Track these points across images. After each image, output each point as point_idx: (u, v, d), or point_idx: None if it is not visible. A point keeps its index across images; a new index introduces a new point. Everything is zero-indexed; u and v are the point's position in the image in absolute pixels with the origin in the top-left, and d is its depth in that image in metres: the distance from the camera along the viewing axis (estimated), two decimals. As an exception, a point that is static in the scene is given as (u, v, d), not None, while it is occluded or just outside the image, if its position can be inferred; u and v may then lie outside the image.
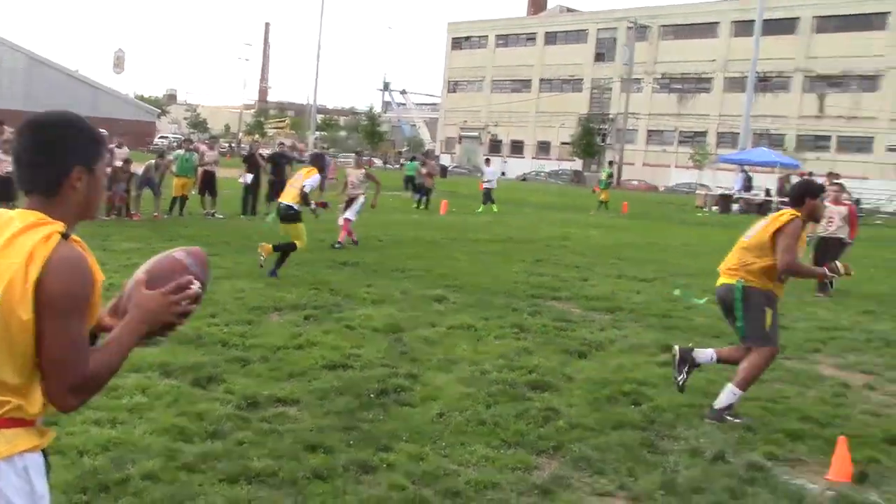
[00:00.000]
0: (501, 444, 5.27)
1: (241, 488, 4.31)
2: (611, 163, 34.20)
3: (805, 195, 6.36)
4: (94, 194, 2.20)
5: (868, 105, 66.14)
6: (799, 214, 6.20)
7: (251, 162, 20.89)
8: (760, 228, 6.29)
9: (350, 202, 15.72)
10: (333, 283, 10.74)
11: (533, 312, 9.66)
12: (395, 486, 4.47)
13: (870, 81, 66.94)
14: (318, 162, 12.54)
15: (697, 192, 48.78)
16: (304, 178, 11.50)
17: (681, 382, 6.39)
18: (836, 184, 14.74)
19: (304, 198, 11.35)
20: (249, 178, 20.43)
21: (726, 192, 40.86)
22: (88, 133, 2.18)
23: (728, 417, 6.07)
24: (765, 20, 51.97)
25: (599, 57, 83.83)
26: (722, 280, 6.52)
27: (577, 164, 79.81)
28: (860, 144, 66.44)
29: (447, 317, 9.10)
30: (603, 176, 33.39)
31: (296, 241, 11.35)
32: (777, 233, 6.08)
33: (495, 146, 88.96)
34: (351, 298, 9.83)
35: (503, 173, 75.53)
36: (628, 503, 4.58)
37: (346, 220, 15.55)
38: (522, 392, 6.37)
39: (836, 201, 13.82)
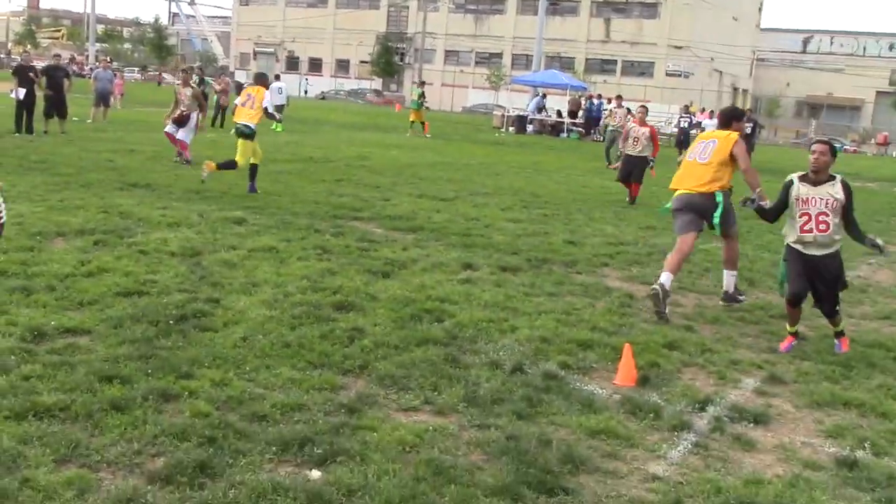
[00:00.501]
0: (307, 365, 5.24)
1: (29, 424, 4.04)
2: (422, 83, 34.30)
3: (732, 119, 7.94)
4: None
5: (649, 31, 69.74)
6: (738, 133, 7.73)
7: (22, 75, 19.15)
8: (715, 150, 7.58)
9: (182, 119, 15.69)
10: (124, 206, 10.17)
11: (336, 233, 9.60)
12: (199, 413, 4.34)
13: (651, 9, 70.42)
14: (263, 80, 13.42)
15: (494, 112, 49.90)
16: (259, 100, 12.46)
17: (666, 313, 7.19)
18: (643, 107, 16.04)
19: (268, 114, 12.67)
20: (22, 92, 18.76)
21: (522, 113, 42.05)
22: None
23: (740, 297, 7.92)
24: (557, -56, 53.19)
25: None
26: (698, 191, 7.61)
27: (377, 84, 79.34)
28: (642, 69, 70.16)
29: (247, 239, 8.88)
30: (414, 96, 32.92)
31: (239, 159, 12.39)
32: (734, 151, 7.49)
33: (292, 63, 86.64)
34: (144, 222, 9.35)
35: (305, 91, 74.00)
36: (433, 417, 4.70)
37: (182, 141, 15.63)
38: (327, 313, 6.35)
39: (642, 123, 15.25)
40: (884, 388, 5.79)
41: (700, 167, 7.64)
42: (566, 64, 69.48)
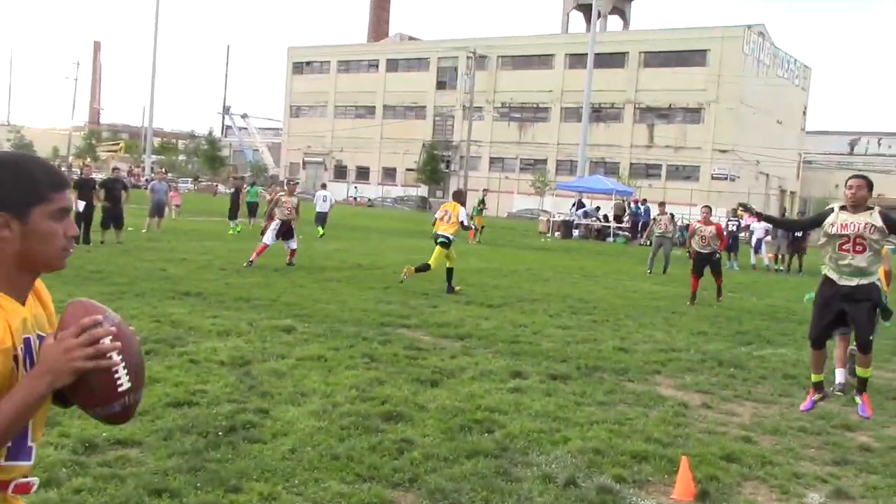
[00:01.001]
0: (356, 478, 5.16)
1: (77, 541, 4.01)
2: (485, 190, 35.76)
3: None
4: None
5: (693, 136, 70.31)
6: None
7: (83, 188, 19.84)
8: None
9: (288, 230, 17.55)
10: (175, 315, 10.31)
11: (383, 341, 9.59)
12: (247, 529, 4.27)
13: (694, 114, 71.18)
14: (459, 197, 16.07)
15: (540, 217, 50.23)
16: (456, 214, 15.19)
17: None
18: (707, 207, 17.10)
19: (464, 227, 15.44)
20: (81, 205, 19.40)
21: (568, 218, 42.28)
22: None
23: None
24: (596, 54, 54.42)
25: (441, 85, 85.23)
26: None
27: (423, 190, 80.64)
28: (687, 173, 70.44)
29: (296, 348, 8.90)
30: (476, 203, 33.94)
31: (433, 263, 15.02)
32: None
33: (340, 172, 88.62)
34: (195, 331, 9.45)
35: (355, 198, 75.53)
36: (485, 534, 4.56)
37: (264, 244, 17.21)
38: (375, 424, 6.28)
39: (707, 222, 16.48)
40: (958, 503, 5.52)
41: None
42: (610, 168, 70.09)
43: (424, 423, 6.45)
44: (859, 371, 7.02)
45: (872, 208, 6.97)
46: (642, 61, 73.33)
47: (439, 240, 15.07)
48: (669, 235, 23.12)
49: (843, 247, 6.89)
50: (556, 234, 40.46)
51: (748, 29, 69.89)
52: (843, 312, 7.03)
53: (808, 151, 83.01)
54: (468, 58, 76.99)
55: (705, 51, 69.93)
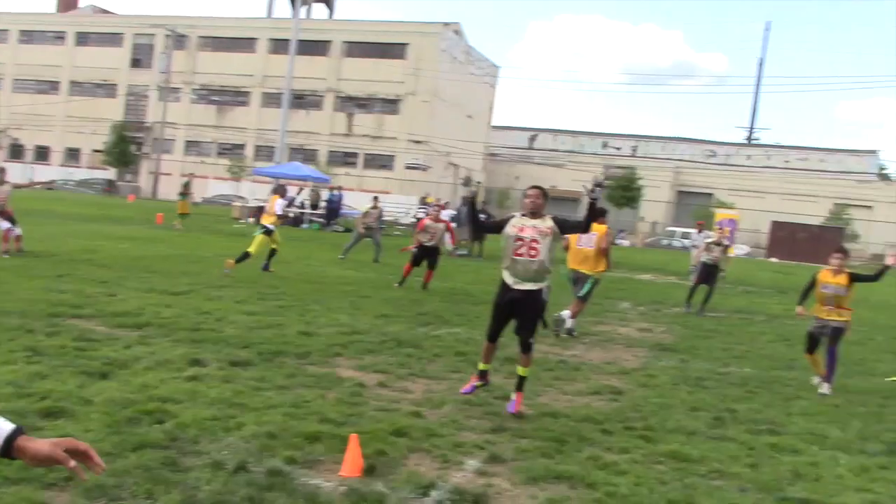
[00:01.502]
0: (4, 481, 4.78)
1: None
2: (190, 174, 34.59)
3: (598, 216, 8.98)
4: None
5: (390, 126, 72.48)
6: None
7: None
8: (595, 241, 11.97)
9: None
10: None
11: (51, 333, 8.94)
12: None
13: (392, 105, 73.36)
14: (279, 190, 18.91)
15: (234, 203, 49.26)
16: (273, 205, 17.57)
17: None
18: (438, 206, 18.19)
19: (279, 217, 17.53)
20: None
21: (262, 203, 41.77)
22: None
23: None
24: (299, 41, 54.30)
25: (136, 63, 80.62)
26: (583, 270, 12.23)
27: (111, 173, 75.95)
28: (383, 161, 72.49)
29: (-55, 343, 8.04)
30: (181, 188, 32.87)
31: (252, 249, 16.75)
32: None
33: (16, 151, 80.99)
34: None
35: (30, 180, 69.17)
36: (145, 526, 4.43)
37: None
38: (32, 422, 5.84)
39: (437, 220, 17.57)
40: (591, 459, 6.21)
41: (584, 252, 12.17)
42: (309, 156, 70.39)
43: (89, 417, 6.11)
44: (520, 370, 7.42)
45: (546, 216, 7.46)
46: (345, 51, 74.25)
47: (261, 230, 17.07)
48: (377, 226, 23.84)
49: (519, 251, 7.30)
50: (251, 219, 39.90)
51: (445, 26, 73.16)
52: (511, 317, 7.51)
53: (493, 145, 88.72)
54: (166, 36, 73.57)
55: (405, 44, 72.29)
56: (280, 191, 18.65)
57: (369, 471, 5.56)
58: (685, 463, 6.29)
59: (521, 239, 7.33)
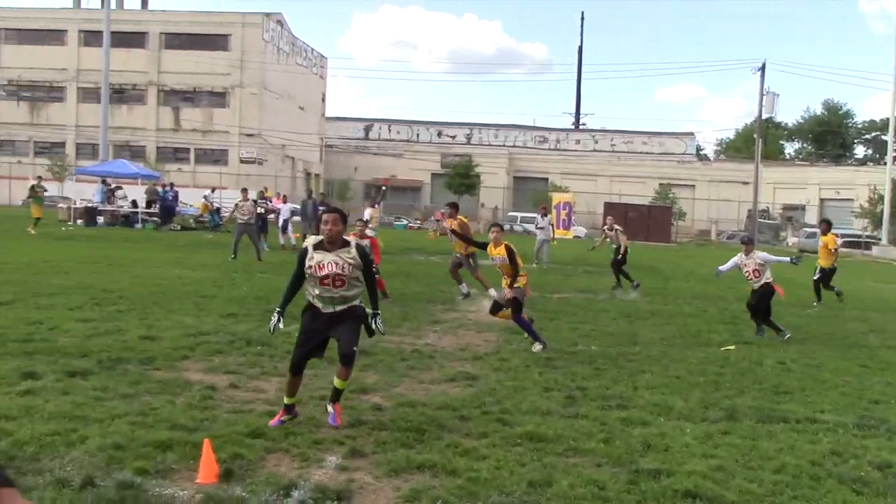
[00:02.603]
0: None
1: None
2: (39, 178, 32.68)
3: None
4: None
5: (220, 120, 70.49)
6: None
7: None
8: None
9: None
10: None
11: None
12: None
13: (219, 98, 71.33)
14: None
15: (60, 205, 46.59)
16: None
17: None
18: (362, 221, 15.66)
19: None
20: None
21: (90, 205, 39.77)
22: None
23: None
24: (114, 32, 51.88)
25: (-69, 56, 74.59)
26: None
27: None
28: (216, 156, 70.44)
29: None
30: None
31: None
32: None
33: None
34: None
35: None
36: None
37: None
38: None
39: (362, 236, 14.20)
40: (451, 446, 6.25)
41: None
42: (136, 152, 67.51)
43: (-90, 443, 5.60)
44: (337, 382, 6.70)
45: (349, 243, 6.74)
46: (163, 42, 71.51)
47: None
48: (252, 221, 23.01)
49: (324, 282, 6.60)
50: (79, 221, 37.89)
51: (267, 17, 71.73)
52: (326, 339, 6.77)
53: (329, 136, 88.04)
54: (-36, 28, 68.48)
55: (227, 35, 70.45)
56: None
57: (226, 475, 5.38)
58: (542, 443, 6.43)
59: (326, 277, 6.61)
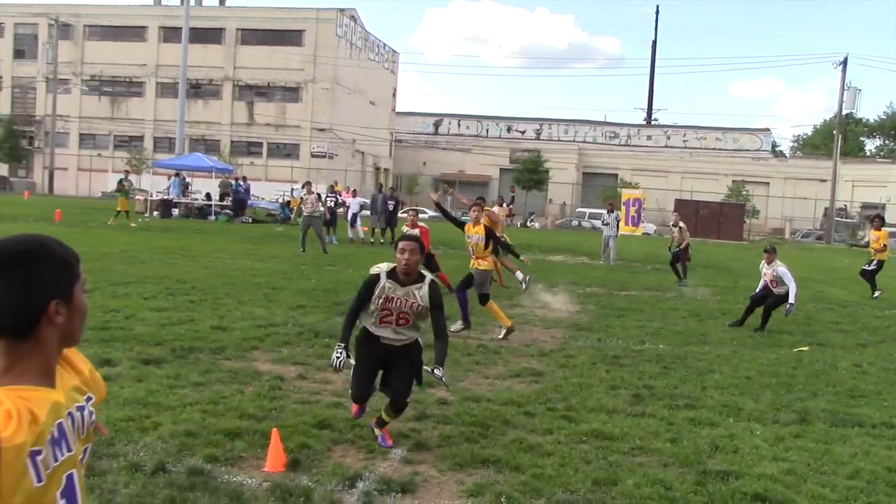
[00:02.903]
0: None
1: None
2: (127, 172, 34.13)
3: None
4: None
5: (292, 114, 71.44)
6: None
7: None
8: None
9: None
10: None
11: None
12: None
13: (292, 93, 72.29)
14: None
15: (136, 197, 47.85)
16: None
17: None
18: (413, 211, 16.53)
19: None
20: None
21: (166, 197, 40.74)
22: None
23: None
24: (193, 28, 52.99)
25: (20, 54, 77.16)
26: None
27: (3, 169, 72.80)
28: (288, 150, 71.46)
29: None
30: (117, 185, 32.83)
31: None
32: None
33: None
34: None
35: None
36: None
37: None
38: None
39: (414, 225, 14.75)
40: (516, 442, 6.23)
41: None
42: (210, 146, 68.83)
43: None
44: (385, 416, 6.11)
45: (424, 278, 6.02)
46: (240, 38, 72.73)
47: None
48: (318, 215, 23.30)
49: (386, 319, 5.97)
50: (155, 213, 38.86)
51: (341, 13, 72.38)
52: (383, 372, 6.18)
53: (399, 131, 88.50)
54: (50, 25, 70.68)
55: (301, 31, 71.24)
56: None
57: (293, 465, 5.46)
58: (607, 441, 6.38)
59: (387, 311, 5.99)
